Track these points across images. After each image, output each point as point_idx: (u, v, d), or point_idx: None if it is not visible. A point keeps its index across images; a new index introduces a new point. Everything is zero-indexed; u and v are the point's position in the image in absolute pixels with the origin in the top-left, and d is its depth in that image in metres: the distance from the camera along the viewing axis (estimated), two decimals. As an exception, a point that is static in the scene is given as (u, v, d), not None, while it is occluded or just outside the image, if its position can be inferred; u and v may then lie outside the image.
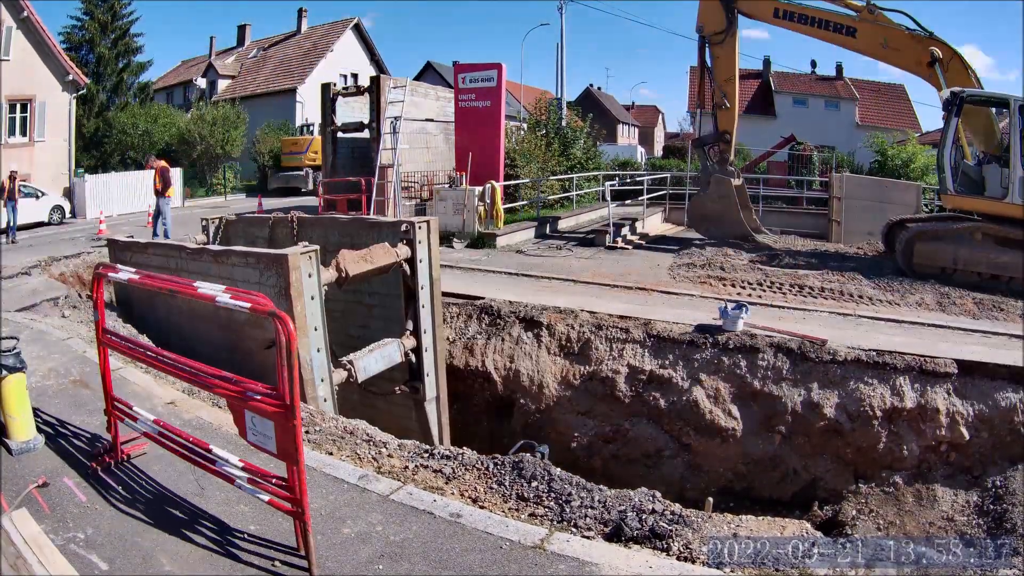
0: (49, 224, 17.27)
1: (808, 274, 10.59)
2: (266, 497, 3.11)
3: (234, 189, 26.50)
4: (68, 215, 18.39)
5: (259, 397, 2.89)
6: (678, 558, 3.21)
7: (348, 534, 3.33)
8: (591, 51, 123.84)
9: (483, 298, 8.96)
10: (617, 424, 7.61)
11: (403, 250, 7.03)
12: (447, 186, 15.01)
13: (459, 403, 8.26)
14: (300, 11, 36.63)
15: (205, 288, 3.16)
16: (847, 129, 31.90)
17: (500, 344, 8.26)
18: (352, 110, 19.65)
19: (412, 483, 3.89)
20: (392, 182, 15.74)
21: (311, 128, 26.29)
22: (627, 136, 57.98)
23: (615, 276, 10.66)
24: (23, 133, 19.58)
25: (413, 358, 7.31)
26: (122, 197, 20.31)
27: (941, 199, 12.18)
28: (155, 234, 12.87)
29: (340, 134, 18.48)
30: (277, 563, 3.12)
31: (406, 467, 4.16)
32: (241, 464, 3.22)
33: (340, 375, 6.32)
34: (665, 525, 3.45)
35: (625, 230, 14.92)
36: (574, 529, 3.49)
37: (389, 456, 4.33)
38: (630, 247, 13.93)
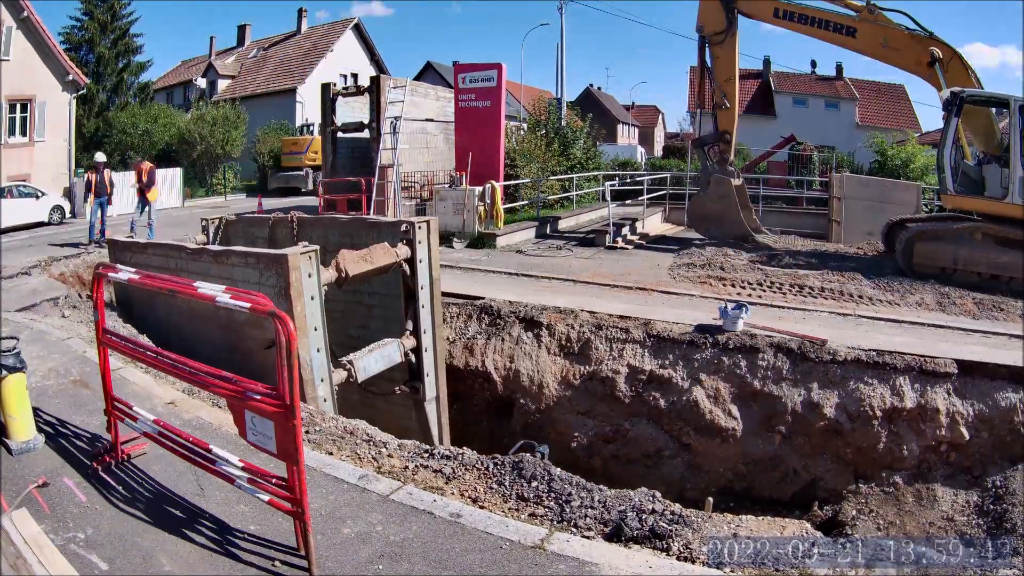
0: (49, 224, 17.25)
1: (808, 274, 10.59)
2: (266, 497, 3.11)
3: (234, 189, 26.49)
4: (68, 215, 18.38)
5: (259, 397, 2.89)
6: (678, 558, 3.22)
7: (348, 534, 3.33)
8: (591, 51, 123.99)
9: (483, 298, 8.95)
10: (617, 424, 7.61)
11: (403, 250, 7.03)
12: (447, 186, 15.01)
13: (459, 403, 8.26)
14: (300, 11, 36.64)
15: (205, 288, 3.16)
16: (847, 129, 31.89)
17: (500, 344, 8.26)
18: (352, 110, 19.65)
19: (412, 483, 3.89)
20: (392, 182, 15.74)
21: (311, 128, 26.29)
22: (627, 136, 57.98)
23: (615, 276, 10.66)
24: (23, 133, 19.57)
25: (413, 358, 7.31)
26: (122, 197, 20.29)
27: (941, 199, 12.17)
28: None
29: (340, 134, 18.47)
30: (277, 563, 3.12)
31: (406, 467, 4.17)
32: (241, 464, 3.22)
33: (340, 375, 6.32)
34: (665, 525, 3.45)
35: (625, 230, 14.92)
36: (574, 529, 3.50)
37: (389, 456, 4.33)
38: (630, 247, 13.93)
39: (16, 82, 18.74)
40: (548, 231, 15.79)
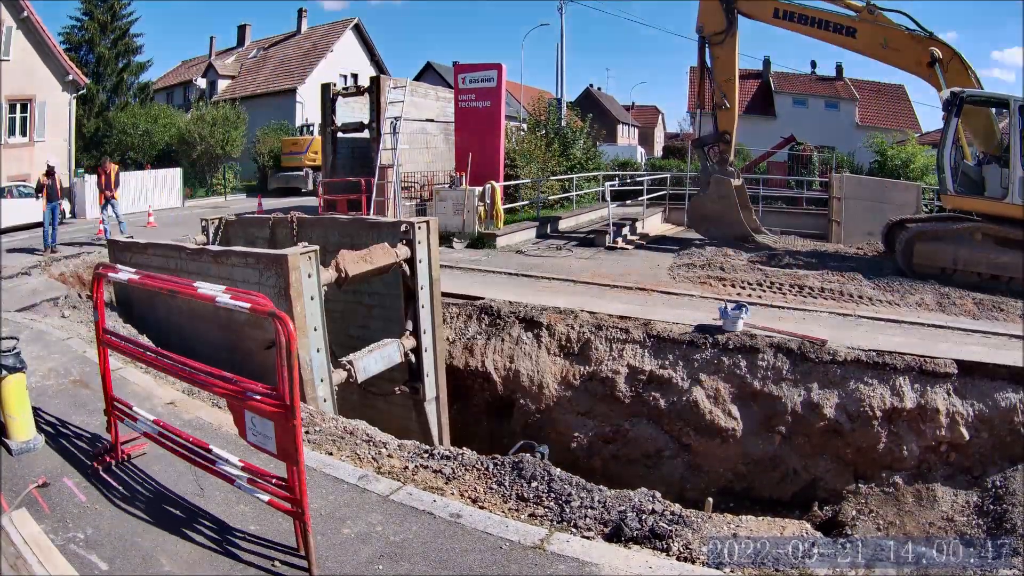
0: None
1: (808, 274, 10.59)
2: (266, 497, 3.11)
3: (234, 189, 26.50)
4: (68, 215, 18.36)
5: (259, 397, 2.89)
6: (678, 558, 3.22)
7: (348, 534, 3.33)
8: (591, 51, 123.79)
9: (483, 298, 8.95)
10: (617, 424, 7.61)
11: (403, 250, 7.03)
12: (447, 186, 15.00)
13: (459, 403, 8.26)
14: (300, 11, 36.66)
15: (205, 288, 3.16)
16: (847, 129, 31.89)
17: (500, 344, 8.26)
18: (352, 110, 19.66)
19: (412, 483, 3.89)
20: (392, 182, 15.74)
21: (311, 128, 26.30)
22: (627, 136, 57.98)
23: (615, 276, 10.66)
24: (23, 133, 19.59)
25: (413, 358, 7.31)
26: (122, 197, 20.27)
27: (941, 199, 12.17)
28: (107, 233, 12.84)
29: (340, 134, 18.48)
30: (277, 563, 3.12)
31: (406, 467, 4.17)
32: (241, 464, 3.22)
33: (340, 375, 6.32)
34: (665, 525, 3.45)
35: (625, 230, 14.92)
36: (574, 529, 3.50)
37: (389, 456, 4.33)
38: (630, 247, 13.93)
39: (16, 82, 18.75)
40: (548, 231, 15.79)
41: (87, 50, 27.78)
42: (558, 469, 4.20)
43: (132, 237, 11.76)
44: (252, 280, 5.92)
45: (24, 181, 18.14)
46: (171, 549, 3.23)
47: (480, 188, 14.25)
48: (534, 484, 3.97)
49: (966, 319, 8.54)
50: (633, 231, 15.54)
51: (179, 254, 7.17)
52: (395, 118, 15.96)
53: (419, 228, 7.15)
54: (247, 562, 3.14)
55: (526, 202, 17.27)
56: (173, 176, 21.96)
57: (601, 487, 4.00)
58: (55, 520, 3.44)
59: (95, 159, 25.70)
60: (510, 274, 10.94)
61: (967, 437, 6.41)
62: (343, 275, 6.28)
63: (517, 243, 14.16)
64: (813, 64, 36.10)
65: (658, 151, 45.25)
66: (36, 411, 4.46)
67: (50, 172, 12.96)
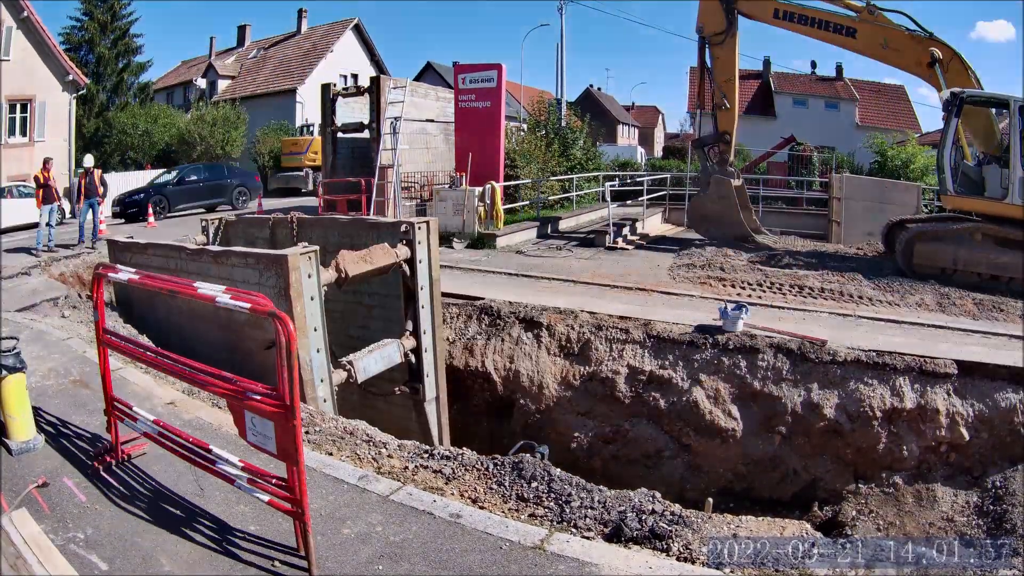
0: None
1: (808, 274, 10.59)
2: (266, 497, 3.11)
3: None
4: (68, 215, 18.37)
5: (259, 397, 2.89)
6: (678, 558, 3.22)
7: (348, 534, 3.33)
8: (591, 51, 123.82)
9: (483, 298, 8.95)
10: (617, 425, 7.61)
11: (403, 251, 7.03)
12: (447, 186, 15.00)
13: (459, 403, 8.26)
14: (300, 11, 36.65)
15: (205, 288, 3.17)
16: (847, 129, 31.90)
17: (500, 344, 8.26)
18: (352, 110, 19.65)
19: (412, 483, 3.89)
20: (392, 182, 15.74)
21: (311, 128, 26.31)
22: (627, 136, 58.00)
23: (615, 276, 10.66)
24: (23, 133, 19.60)
25: (413, 359, 7.31)
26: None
27: (941, 200, 12.17)
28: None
29: (340, 134, 18.46)
30: (277, 563, 3.12)
31: (406, 467, 4.17)
32: (241, 464, 3.22)
33: (340, 376, 6.32)
34: (665, 525, 3.45)
35: (625, 230, 14.92)
36: (574, 530, 3.50)
37: (389, 456, 4.33)
38: (630, 247, 13.93)
39: (16, 82, 18.76)
40: (548, 231, 15.79)
41: (87, 50, 27.81)
42: (558, 469, 4.20)
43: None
44: (252, 280, 5.92)
45: (24, 181, 18.14)
46: (171, 549, 3.23)
47: (480, 188, 14.25)
48: (534, 484, 3.97)
49: (966, 319, 8.54)
50: (633, 231, 15.55)
51: (179, 254, 7.17)
52: (395, 118, 15.97)
53: (419, 228, 7.15)
54: (247, 562, 3.14)
55: (526, 202, 17.27)
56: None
57: (601, 487, 4.00)
58: (55, 520, 3.44)
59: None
60: (510, 274, 10.94)
61: (967, 437, 6.41)
62: (343, 275, 6.28)
63: (517, 243, 14.16)
64: (813, 64, 36.18)
65: (658, 151, 45.25)
66: (36, 411, 4.47)
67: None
